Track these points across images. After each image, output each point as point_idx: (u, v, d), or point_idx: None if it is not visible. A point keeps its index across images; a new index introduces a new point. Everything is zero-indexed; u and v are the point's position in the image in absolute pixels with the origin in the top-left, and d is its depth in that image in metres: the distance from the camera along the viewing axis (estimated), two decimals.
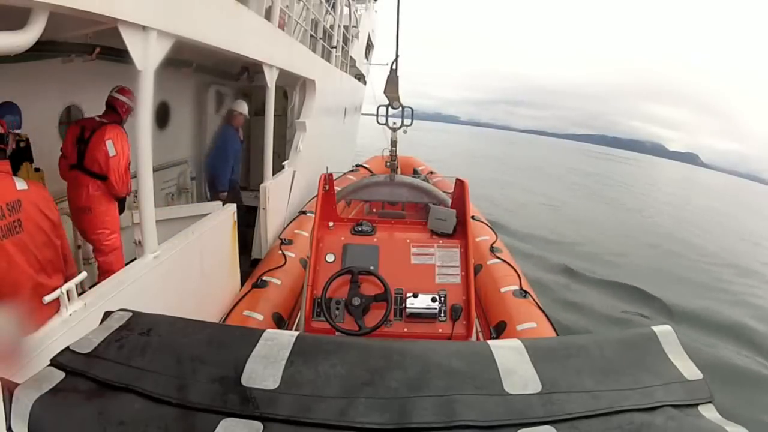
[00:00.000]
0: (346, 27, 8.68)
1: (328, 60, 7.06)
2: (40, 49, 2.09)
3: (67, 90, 3.51)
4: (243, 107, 5.10)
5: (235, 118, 5.06)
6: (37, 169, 3.26)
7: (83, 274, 1.81)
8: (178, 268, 2.64)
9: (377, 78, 11.00)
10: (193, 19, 2.68)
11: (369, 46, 12.53)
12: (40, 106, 3.28)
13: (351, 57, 9.30)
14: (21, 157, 3.11)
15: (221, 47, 3.10)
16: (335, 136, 8.15)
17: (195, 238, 2.84)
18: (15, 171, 3.05)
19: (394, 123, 3.55)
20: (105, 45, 3.18)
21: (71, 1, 1.69)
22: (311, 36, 6.03)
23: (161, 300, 2.41)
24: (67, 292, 1.60)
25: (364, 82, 11.43)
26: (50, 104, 3.41)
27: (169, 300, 2.51)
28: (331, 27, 7.28)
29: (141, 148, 2.33)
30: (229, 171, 4.91)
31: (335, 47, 7.34)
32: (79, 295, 1.80)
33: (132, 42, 2.11)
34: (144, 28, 2.16)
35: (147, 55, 2.19)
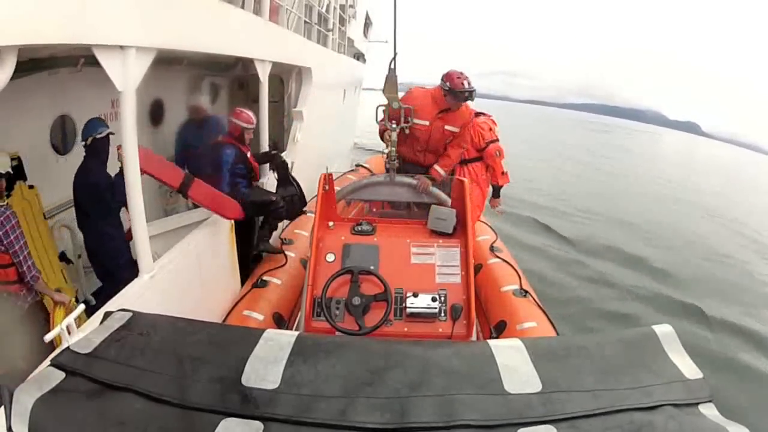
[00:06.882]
0: (342, 7, 8.40)
1: (325, 44, 6.94)
2: (23, 69, 1.99)
3: (57, 101, 3.39)
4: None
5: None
6: (30, 186, 3.23)
7: (81, 307, 1.79)
8: (175, 285, 2.58)
9: (378, 53, 10.99)
10: (175, 27, 2.54)
11: (367, 24, 12.20)
12: (29, 123, 3.17)
13: (348, 38, 9.08)
14: (14, 176, 3.03)
15: (207, 51, 3.00)
16: (334, 119, 8.04)
17: (192, 248, 2.78)
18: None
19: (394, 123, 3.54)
20: (90, 54, 3.10)
21: (39, 36, 1.59)
22: (305, 22, 5.91)
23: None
24: (68, 327, 1.58)
25: (364, 61, 11.29)
26: (40, 119, 3.29)
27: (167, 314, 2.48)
28: (327, 10, 7.14)
29: (129, 170, 2.24)
30: None
31: (331, 30, 7.21)
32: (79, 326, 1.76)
33: (110, 64, 1.99)
34: (121, 47, 2.04)
35: (127, 74, 2.07)
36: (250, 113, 3.78)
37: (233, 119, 3.74)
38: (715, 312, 6.16)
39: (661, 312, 6.02)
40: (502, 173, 4.37)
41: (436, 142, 3.76)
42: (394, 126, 3.41)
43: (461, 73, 3.57)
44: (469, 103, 3.70)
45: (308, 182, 5.13)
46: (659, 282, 7.08)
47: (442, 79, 3.63)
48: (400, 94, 3.60)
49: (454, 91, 3.51)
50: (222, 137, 3.77)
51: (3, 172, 2.47)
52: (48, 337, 1.56)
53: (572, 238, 8.78)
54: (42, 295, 2.55)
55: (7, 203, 2.49)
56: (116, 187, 2.71)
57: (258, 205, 3.56)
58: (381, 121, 3.47)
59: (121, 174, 2.62)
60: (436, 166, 3.67)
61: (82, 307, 1.81)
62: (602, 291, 6.57)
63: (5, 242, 2.33)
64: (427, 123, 3.66)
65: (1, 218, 2.31)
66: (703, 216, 13.12)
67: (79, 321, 1.78)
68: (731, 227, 12.21)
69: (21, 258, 2.37)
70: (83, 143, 2.95)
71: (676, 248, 9.08)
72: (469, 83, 3.52)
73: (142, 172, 3.14)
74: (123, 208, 3.02)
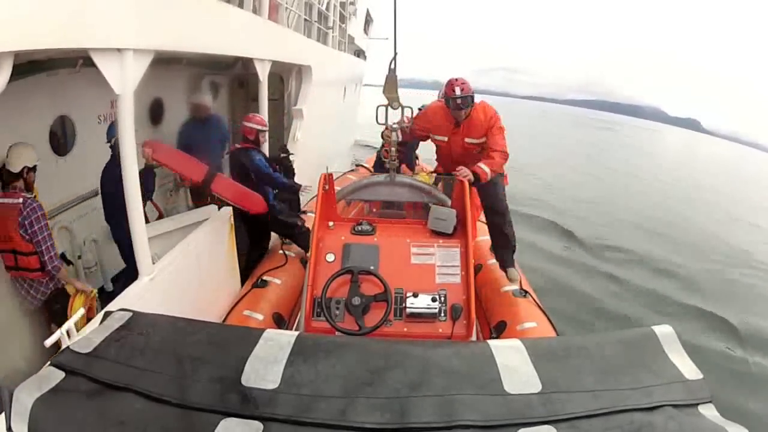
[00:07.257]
0: (342, 4, 8.38)
1: (325, 41, 6.94)
2: (21, 71, 1.98)
3: (57, 102, 3.36)
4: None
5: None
6: None
7: (81, 311, 1.79)
8: (175, 285, 2.58)
9: (379, 50, 10.91)
10: (172, 28, 2.52)
11: (368, 21, 12.15)
12: (28, 124, 3.14)
13: (349, 35, 9.07)
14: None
15: (205, 51, 2.99)
16: (335, 117, 8.06)
17: (192, 248, 2.78)
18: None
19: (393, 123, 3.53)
20: (88, 55, 3.06)
21: (35, 42, 1.59)
22: (305, 20, 5.92)
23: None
24: (67, 331, 1.58)
25: (365, 58, 11.29)
26: (39, 120, 3.26)
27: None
28: (327, 7, 7.13)
29: (128, 173, 2.24)
30: None
31: (331, 28, 7.22)
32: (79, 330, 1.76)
33: (107, 67, 1.97)
34: (119, 50, 2.01)
35: (125, 77, 2.05)
36: (262, 116, 3.85)
37: (247, 123, 3.79)
38: (734, 318, 6.05)
39: (676, 318, 5.93)
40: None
41: (461, 156, 3.54)
42: (395, 126, 3.41)
43: (457, 79, 3.38)
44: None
45: (308, 181, 5.14)
46: (681, 289, 6.97)
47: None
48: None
49: (446, 98, 3.36)
50: (240, 143, 3.80)
51: (31, 165, 2.57)
52: (48, 342, 1.56)
53: (585, 239, 8.74)
54: (63, 282, 2.66)
55: (34, 196, 2.57)
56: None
57: (285, 225, 3.71)
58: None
59: (143, 170, 2.76)
60: (482, 164, 3.23)
61: (82, 311, 1.81)
62: (611, 293, 6.48)
63: (30, 231, 2.42)
64: (446, 138, 3.57)
65: (28, 209, 2.41)
66: (714, 216, 13.09)
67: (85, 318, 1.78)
68: (749, 230, 12.16)
69: (44, 248, 2.47)
70: (108, 144, 3.08)
71: (698, 254, 8.97)
72: (462, 89, 3.30)
73: (163, 165, 3.19)
74: (148, 201, 3.23)
